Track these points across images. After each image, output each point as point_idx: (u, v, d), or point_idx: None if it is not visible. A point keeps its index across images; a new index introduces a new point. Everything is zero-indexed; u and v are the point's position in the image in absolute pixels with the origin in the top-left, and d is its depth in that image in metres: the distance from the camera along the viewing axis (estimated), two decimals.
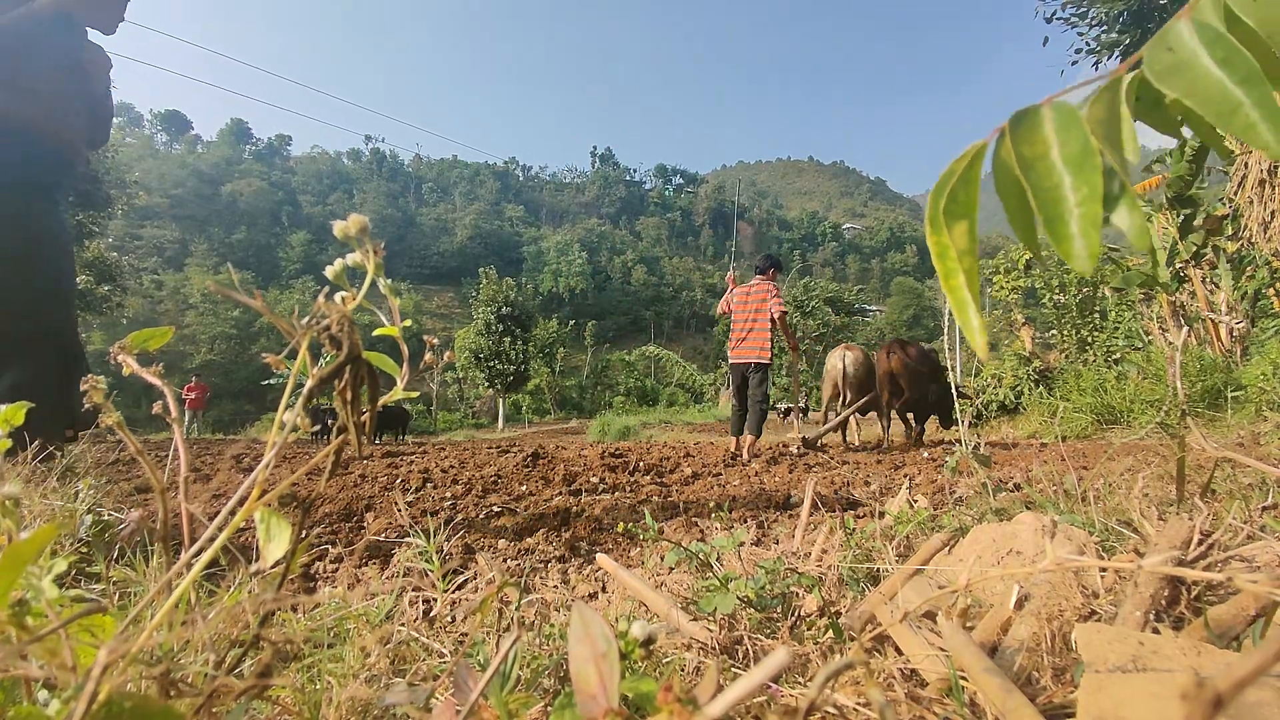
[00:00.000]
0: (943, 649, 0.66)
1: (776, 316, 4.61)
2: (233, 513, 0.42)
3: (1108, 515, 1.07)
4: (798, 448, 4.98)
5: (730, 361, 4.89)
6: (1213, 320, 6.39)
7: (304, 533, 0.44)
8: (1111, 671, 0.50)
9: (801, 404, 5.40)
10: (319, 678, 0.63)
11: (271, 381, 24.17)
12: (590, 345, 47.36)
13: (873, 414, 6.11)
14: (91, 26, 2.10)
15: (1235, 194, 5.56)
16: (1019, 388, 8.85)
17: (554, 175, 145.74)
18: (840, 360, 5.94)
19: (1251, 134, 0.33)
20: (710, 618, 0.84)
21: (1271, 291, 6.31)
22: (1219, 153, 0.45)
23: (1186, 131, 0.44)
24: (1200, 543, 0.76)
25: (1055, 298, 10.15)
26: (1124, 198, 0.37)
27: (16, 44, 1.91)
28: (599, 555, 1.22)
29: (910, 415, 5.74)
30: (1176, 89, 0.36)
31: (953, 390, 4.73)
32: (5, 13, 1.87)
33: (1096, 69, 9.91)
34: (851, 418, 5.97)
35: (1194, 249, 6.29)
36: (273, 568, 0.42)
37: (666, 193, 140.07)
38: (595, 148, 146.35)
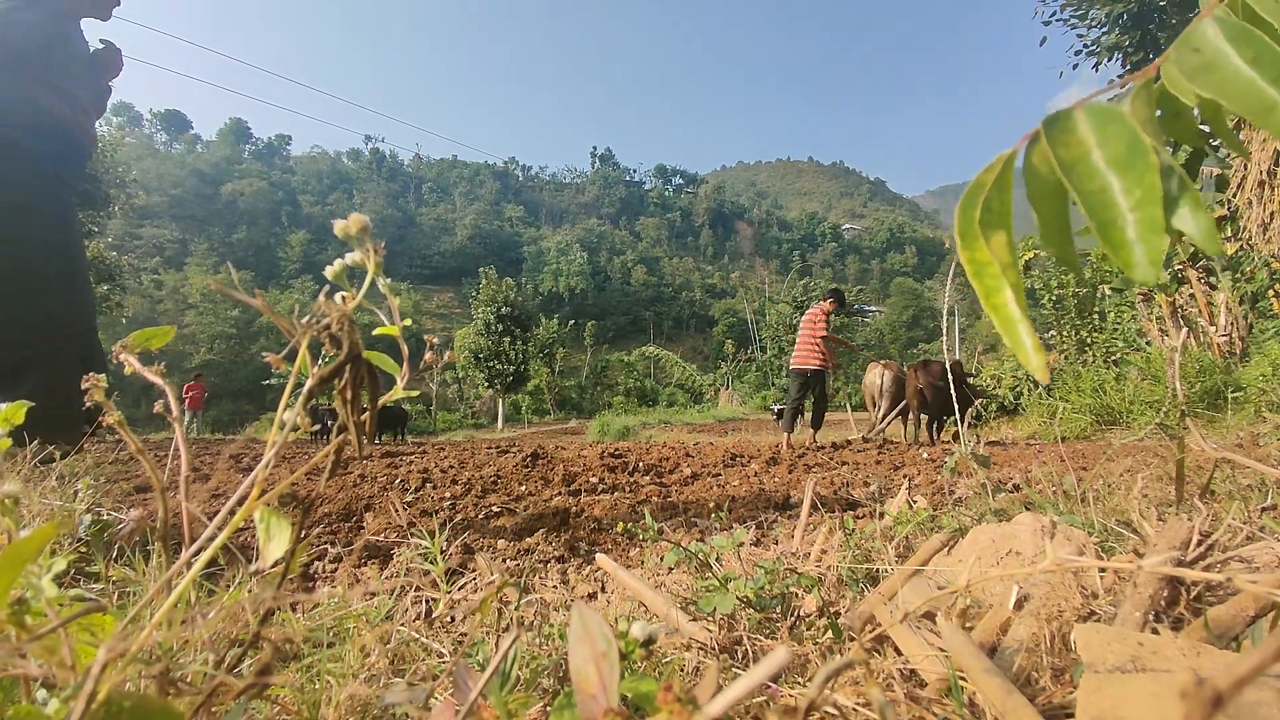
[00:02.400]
0: (942, 649, 0.66)
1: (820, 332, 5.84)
2: (232, 512, 0.42)
3: (1107, 516, 1.07)
4: (863, 438, 6.09)
5: (790, 369, 6.01)
6: (1209, 328, 6.41)
7: (303, 532, 0.44)
8: (1110, 672, 0.50)
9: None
10: (318, 677, 0.63)
11: (271, 381, 24.15)
12: (590, 345, 47.30)
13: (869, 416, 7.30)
14: (87, 15, 2.10)
15: (1234, 196, 5.55)
16: (1018, 388, 8.85)
17: (554, 175, 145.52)
18: (879, 378, 7.27)
19: None
20: (710, 618, 0.84)
21: (1271, 293, 6.30)
22: (1239, 153, 0.45)
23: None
24: (1199, 543, 0.76)
25: (1054, 296, 10.15)
26: (1185, 197, 0.34)
27: (48, 42, 1.92)
28: (598, 555, 1.22)
29: (933, 421, 6.88)
30: (1208, 88, 0.34)
31: (974, 398, 5.76)
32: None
33: (1096, 71, 9.88)
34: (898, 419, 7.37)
35: (1191, 250, 6.29)
36: (272, 567, 0.42)
37: (666, 193, 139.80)
38: (595, 148, 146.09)
